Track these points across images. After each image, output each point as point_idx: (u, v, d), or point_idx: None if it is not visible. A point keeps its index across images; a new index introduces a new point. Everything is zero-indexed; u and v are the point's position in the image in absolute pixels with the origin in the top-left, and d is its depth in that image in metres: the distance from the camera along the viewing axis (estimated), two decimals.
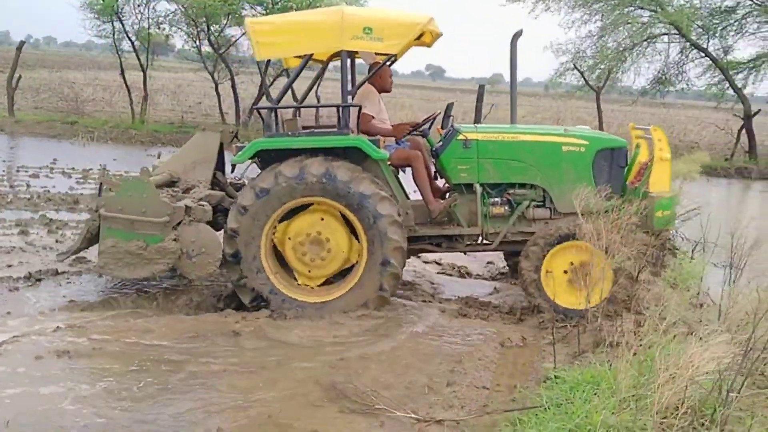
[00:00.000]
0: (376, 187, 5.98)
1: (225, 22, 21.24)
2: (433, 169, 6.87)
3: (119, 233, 5.95)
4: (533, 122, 25.79)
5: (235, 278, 6.07)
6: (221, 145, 6.99)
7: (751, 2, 22.35)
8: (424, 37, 6.68)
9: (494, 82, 70.07)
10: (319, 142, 6.10)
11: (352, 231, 6.16)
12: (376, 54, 6.66)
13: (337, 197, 5.96)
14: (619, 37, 22.92)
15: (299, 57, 6.59)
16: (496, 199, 6.50)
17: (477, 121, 7.03)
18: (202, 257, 6.01)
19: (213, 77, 22.55)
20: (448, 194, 6.74)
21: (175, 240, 5.95)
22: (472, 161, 6.41)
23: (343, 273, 6.32)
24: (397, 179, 6.54)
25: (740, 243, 5.24)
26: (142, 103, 21.71)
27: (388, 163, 6.40)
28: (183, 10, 21.20)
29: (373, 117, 6.60)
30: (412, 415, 4.19)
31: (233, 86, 22.00)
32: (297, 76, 6.45)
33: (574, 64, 24.17)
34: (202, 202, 6.16)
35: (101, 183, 6.73)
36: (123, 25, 21.27)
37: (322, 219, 6.15)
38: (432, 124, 6.89)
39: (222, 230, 6.24)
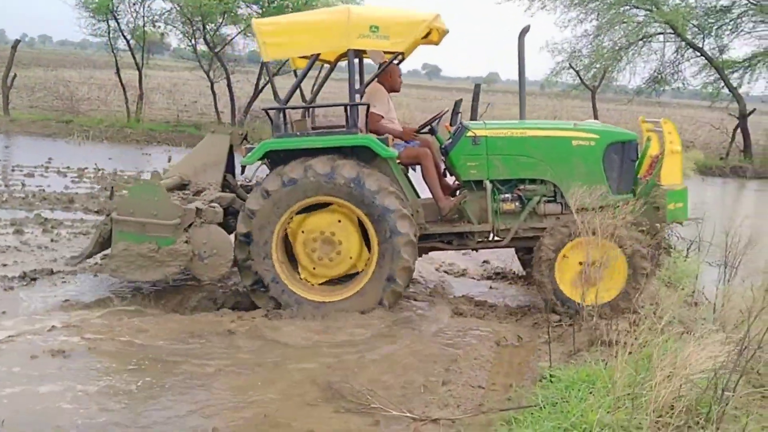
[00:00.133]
0: (400, 204, 5.98)
1: (221, 20, 21.21)
2: (442, 166, 6.87)
3: (131, 236, 5.96)
4: None
5: (242, 258, 6.06)
6: (231, 147, 7.00)
7: (746, 2, 22.40)
8: (431, 36, 6.68)
9: (490, 81, 70.14)
10: (328, 142, 6.09)
11: (365, 238, 6.17)
12: (384, 53, 6.66)
13: (360, 204, 5.96)
14: (614, 36, 22.95)
15: (306, 57, 6.58)
16: (507, 196, 6.47)
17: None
18: (213, 258, 6.02)
19: (209, 76, 22.52)
20: (458, 192, 6.73)
21: (186, 242, 5.97)
22: (481, 158, 6.39)
23: (345, 276, 6.33)
24: (407, 177, 6.54)
25: (735, 242, 5.25)
26: (137, 101, 21.66)
27: (398, 161, 6.40)
28: (178, 8, 21.16)
29: (382, 117, 6.60)
30: (408, 414, 4.19)
31: (229, 85, 21.98)
32: (304, 76, 6.45)
33: (569, 63, 24.19)
34: (212, 204, 6.18)
35: (113, 187, 6.76)
36: (118, 23, 21.22)
37: (340, 221, 6.16)
38: (439, 121, 6.88)
39: (233, 233, 6.24)
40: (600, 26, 22.93)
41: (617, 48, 22.81)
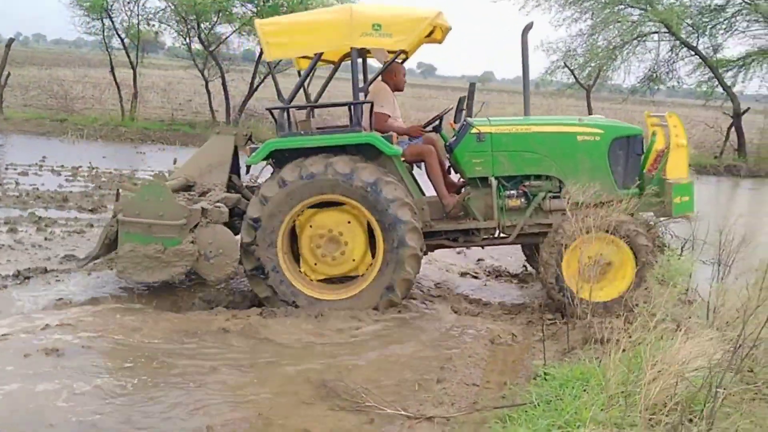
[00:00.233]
0: (412, 217, 6.00)
1: (215, 19, 21.17)
2: (447, 164, 6.86)
3: (137, 237, 5.98)
4: None
5: (248, 242, 6.05)
6: (236, 148, 7.01)
7: (740, 1, 22.44)
8: (434, 34, 6.69)
9: (485, 80, 70.18)
10: (332, 140, 6.10)
11: (371, 243, 6.19)
12: (388, 52, 6.67)
13: (373, 210, 5.96)
14: (609, 35, 22.96)
15: (308, 57, 6.57)
16: (512, 192, 6.46)
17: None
18: (219, 258, 6.03)
19: (203, 75, 22.46)
20: (463, 189, 6.73)
21: (192, 242, 5.99)
22: (486, 154, 6.39)
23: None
24: (412, 175, 6.53)
25: (728, 240, 5.26)
26: (132, 100, 21.61)
27: (402, 159, 6.40)
28: (173, 7, 21.12)
29: (389, 116, 6.60)
30: (402, 412, 4.20)
31: (224, 84, 21.93)
32: (308, 75, 6.45)
33: (564, 62, 24.22)
34: (218, 204, 6.19)
35: (118, 189, 6.79)
36: (113, 22, 21.17)
37: (349, 222, 6.17)
38: (442, 119, 6.87)
39: (239, 234, 6.24)
40: (595, 25, 22.96)
41: (612, 47, 22.83)
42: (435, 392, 4.53)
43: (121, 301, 6.18)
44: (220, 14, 20.79)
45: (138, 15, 21.44)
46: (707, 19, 22.91)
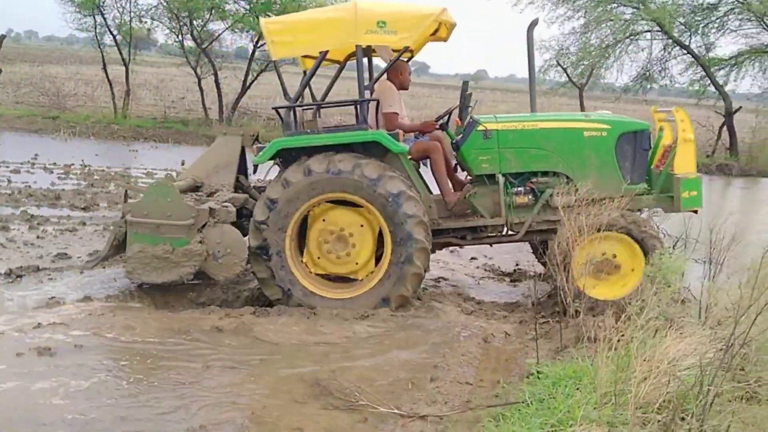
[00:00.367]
0: (425, 237, 6.02)
1: (208, 16, 21.13)
2: (453, 161, 6.86)
3: (146, 238, 5.99)
4: None
5: (259, 220, 6.05)
6: (243, 148, 7.01)
7: (732, 0, 22.53)
8: (439, 32, 6.70)
9: (478, 78, 70.13)
10: (339, 139, 6.10)
11: (378, 251, 6.22)
12: (393, 51, 6.66)
13: (390, 221, 5.98)
14: (602, 33, 23.05)
15: (312, 57, 6.57)
16: (520, 189, 6.45)
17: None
18: (228, 258, 6.05)
19: (196, 72, 22.40)
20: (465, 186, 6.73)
21: (200, 242, 6.00)
22: (493, 151, 6.38)
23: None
24: (419, 174, 6.53)
25: (719, 239, 5.28)
26: (124, 97, 21.55)
27: (408, 157, 6.40)
28: (165, 4, 21.06)
29: (397, 114, 6.60)
30: (396, 411, 4.20)
31: (216, 81, 21.89)
32: (313, 74, 6.44)
33: (557, 61, 24.28)
34: (225, 204, 6.19)
35: (126, 190, 6.78)
36: (105, 18, 21.11)
37: (362, 226, 6.19)
38: (450, 116, 6.87)
39: (246, 235, 6.25)
40: (587, 23, 23.03)
41: (605, 45, 22.90)
42: (428, 391, 4.53)
43: (113, 299, 6.16)
44: (213, 11, 20.75)
45: (130, 12, 21.44)
46: (700, 18, 22.99)
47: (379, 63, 7.51)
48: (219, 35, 22.50)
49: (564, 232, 5.87)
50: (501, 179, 6.37)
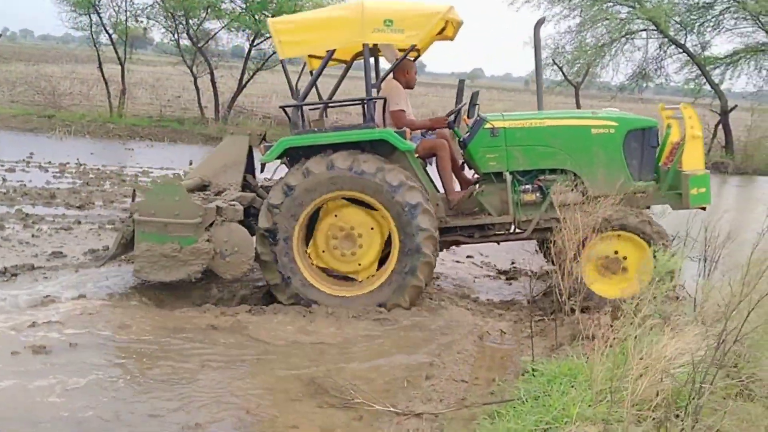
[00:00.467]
0: (432, 252, 6.03)
1: (204, 15, 21.08)
2: (461, 160, 6.87)
3: (153, 236, 6.00)
4: None
5: (274, 203, 6.06)
6: (250, 148, 7.02)
7: None
8: (446, 31, 6.70)
9: (474, 77, 70.14)
10: (346, 137, 6.10)
11: (383, 255, 6.24)
12: (399, 50, 6.66)
13: (402, 231, 6.00)
14: (597, 32, 23.07)
15: (319, 57, 6.57)
16: (527, 187, 6.45)
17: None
18: (235, 256, 6.04)
19: (192, 71, 22.34)
20: (477, 185, 6.73)
21: (208, 240, 6.00)
22: (500, 149, 6.38)
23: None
24: (426, 172, 6.54)
25: (714, 236, 5.30)
26: (120, 96, 21.49)
27: (416, 155, 6.40)
28: (161, 3, 21.02)
29: (404, 111, 6.60)
30: (391, 409, 4.21)
31: (212, 80, 21.84)
32: (320, 72, 6.44)
33: (553, 60, 24.31)
34: (233, 203, 6.20)
35: (134, 189, 6.78)
36: (100, 17, 21.03)
37: (372, 228, 6.20)
38: (459, 114, 6.87)
39: (254, 234, 6.25)
40: (583, 22, 23.05)
41: (600, 44, 22.93)
42: (424, 389, 4.54)
43: (108, 298, 6.15)
44: (209, 10, 20.70)
45: (126, 11, 21.35)
46: (695, 17, 23.01)
47: (384, 63, 7.53)
48: (215, 34, 22.46)
49: (569, 229, 5.85)
50: (508, 177, 6.38)
